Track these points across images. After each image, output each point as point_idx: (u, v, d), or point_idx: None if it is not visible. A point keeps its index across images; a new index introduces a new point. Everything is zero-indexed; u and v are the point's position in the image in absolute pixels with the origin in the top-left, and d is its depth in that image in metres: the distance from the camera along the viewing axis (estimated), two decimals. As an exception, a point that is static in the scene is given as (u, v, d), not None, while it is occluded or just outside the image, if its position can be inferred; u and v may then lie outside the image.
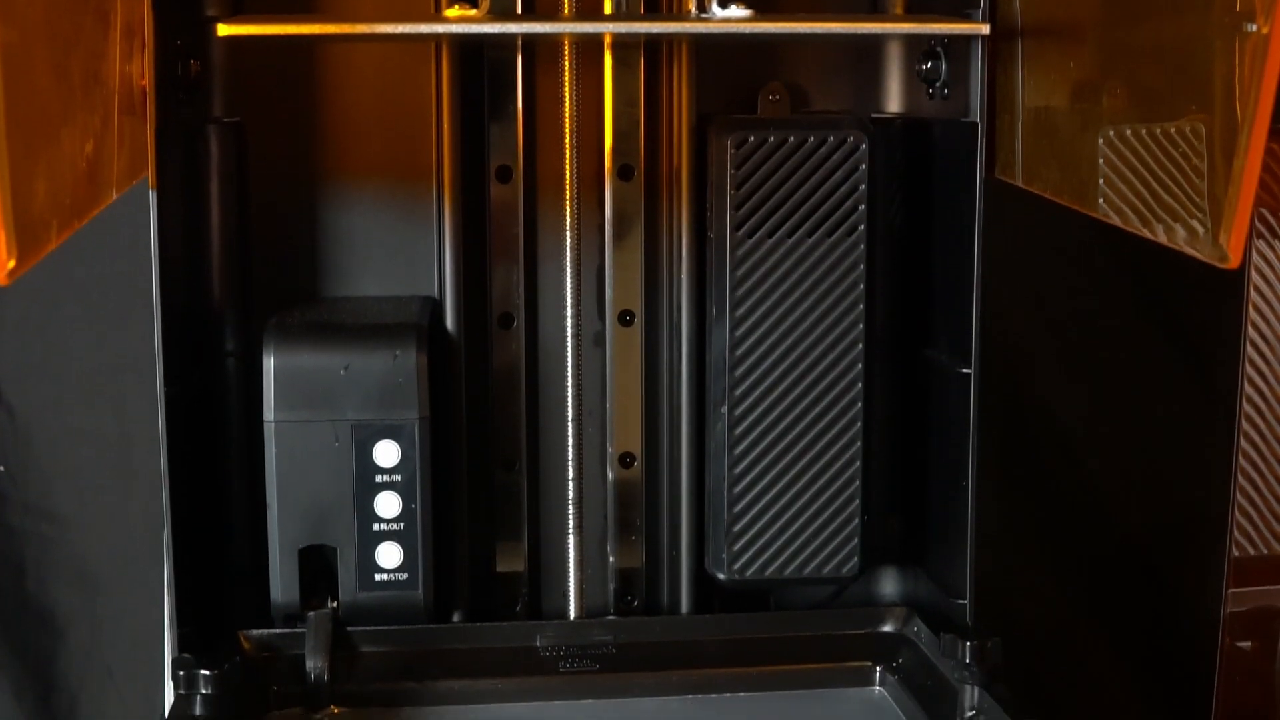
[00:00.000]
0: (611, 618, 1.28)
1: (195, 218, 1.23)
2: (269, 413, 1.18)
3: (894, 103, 1.29)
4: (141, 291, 1.16)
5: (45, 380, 1.50)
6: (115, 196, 1.05)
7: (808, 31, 1.20)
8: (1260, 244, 1.42)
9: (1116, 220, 1.05)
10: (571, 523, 1.28)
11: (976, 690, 1.12)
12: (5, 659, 1.53)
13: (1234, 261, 0.93)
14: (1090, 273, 1.52)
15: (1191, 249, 0.96)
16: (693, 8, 1.16)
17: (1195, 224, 0.95)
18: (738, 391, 1.22)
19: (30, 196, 0.85)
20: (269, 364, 1.18)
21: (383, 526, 1.19)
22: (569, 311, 1.26)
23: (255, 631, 1.20)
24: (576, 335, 1.27)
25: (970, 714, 1.12)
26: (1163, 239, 0.99)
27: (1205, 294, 1.50)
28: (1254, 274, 1.43)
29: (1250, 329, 1.44)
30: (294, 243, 1.26)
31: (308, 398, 1.18)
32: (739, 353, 1.22)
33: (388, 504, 1.19)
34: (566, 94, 1.25)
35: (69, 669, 1.54)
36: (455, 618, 1.26)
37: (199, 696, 1.10)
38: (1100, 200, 1.06)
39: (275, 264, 1.26)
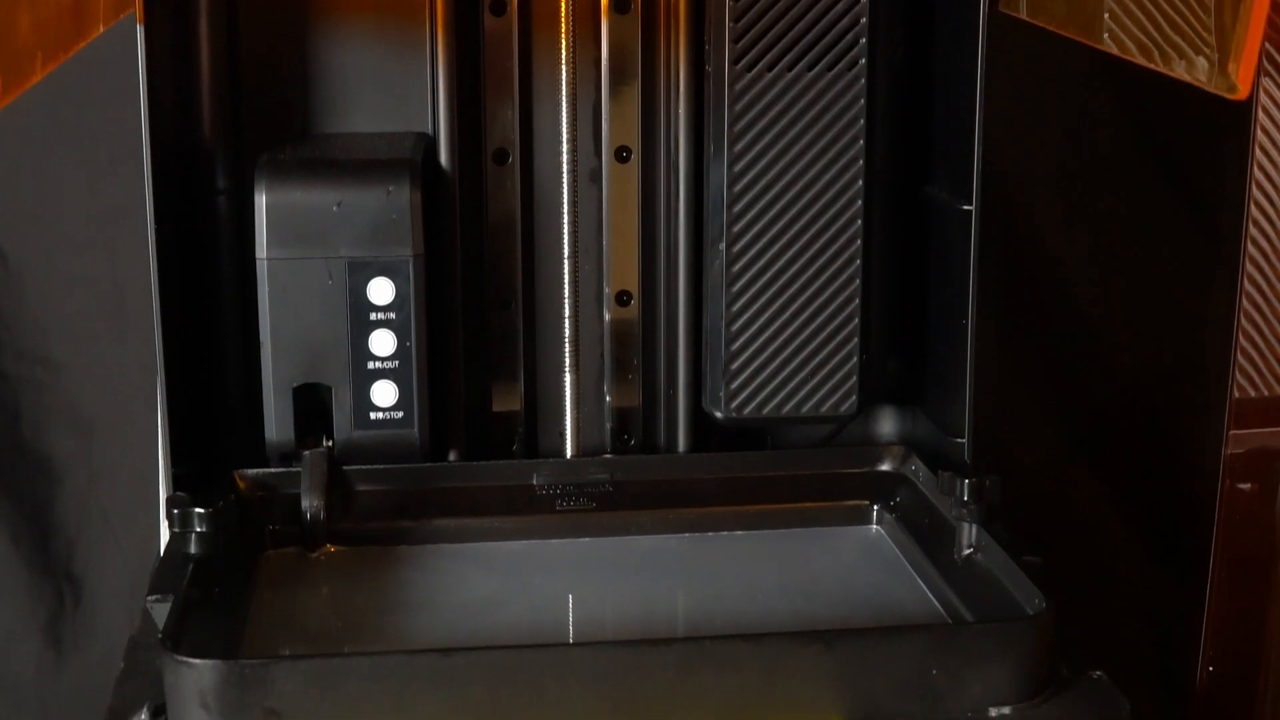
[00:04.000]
0: (608, 456, 1.28)
1: (184, 54, 1.21)
2: (261, 250, 1.17)
3: (896, -67, 1.27)
4: (133, 137, 1.14)
5: (38, 227, 1.50)
6: (102, 30, 1.03)
7: None
8: (1266, 81, 1.40)
9: (1119, 52, 1.03)
10: (568, 361, 1.27)
11: (974, 528, 1.12)
12: (2, 506, 1.53)
13: (1243, 92, 0.91)
14: (1093, 112, 1.50)
15: (1199, 80, 0.94)
16: None
17: (1202, 58, 0.94)
18: (736, 228, 1.21)
19: (14, 26, 0.84)
20: (261, 201, 1.16)
21: (377, 365, 1.18)
22: (565, 148, 1.24)
23: (250, 471, 1.20)
24: (572, 172, 1.25)
25: (968, 551, 1.12)
26: (1170, 71, 0.98)
27: (1209, 134, 1.49)
28: (1260, 113, 1.41)
29: (1255, 169, 1.43)
30: (285, 78, 1.24)
31: (300, 235, 1.17)
32: (737, 189, 1.20)
33: (382, 342, 1.18)
34: (561, -78, 1.23)
35: (66, 514, 1.55)
36: (451, 457, 1.26)
37: (194, 535, 1.09)
38: (1105, 34, 1.04)
39: (266, 100, 1.24)
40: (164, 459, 1.17)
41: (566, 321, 1.27)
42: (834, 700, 0.96)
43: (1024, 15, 1.15)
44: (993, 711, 0.97)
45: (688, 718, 0.94)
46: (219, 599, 1.07)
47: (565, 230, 1.26)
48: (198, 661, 0.92)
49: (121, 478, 1.53)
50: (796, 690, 0.95)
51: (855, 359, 1.23)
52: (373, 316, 1.18)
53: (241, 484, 1.20)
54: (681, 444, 1.29)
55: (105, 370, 1.52)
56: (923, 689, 0.96)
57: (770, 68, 1.19)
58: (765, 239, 1.21)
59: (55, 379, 1.52)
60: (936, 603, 1.12)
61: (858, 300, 1.23)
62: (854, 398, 1.24)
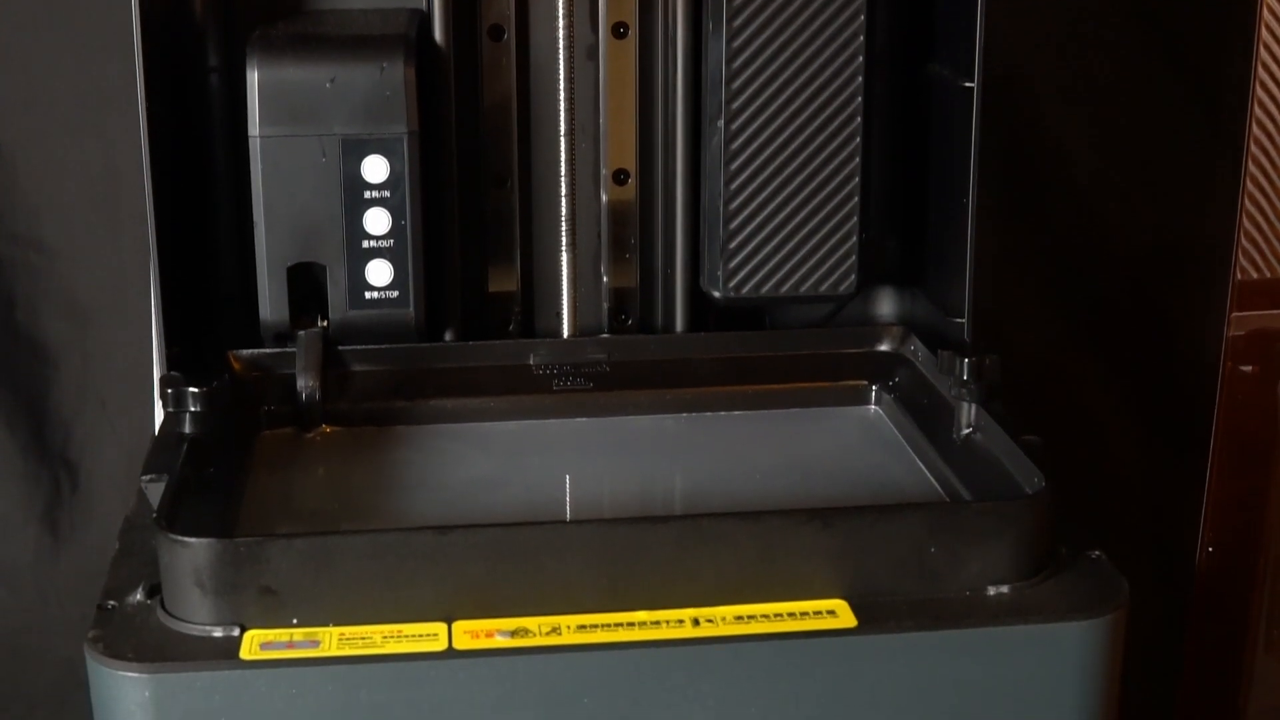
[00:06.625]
0: (605, 336, 1.27)
1: (173, -72, 1.19)
2: (254, 128, 1.15)
3: None
4: (124, 18, 1.13)
5: (30, 112, 1.48)
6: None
7: None
8: (1274, -38, 1.39)
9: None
10: (564, 241, 1.26)
11: (974, 407, 1.11)
12: (-2, 392, 1.53)
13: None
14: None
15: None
16: None
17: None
18: (734, 105, 1.19)
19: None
20: (253, 78, 1.15)
21: (372, 244, 1.17)
22: (561, 24, 1.22)
23: (245, 351, 1.19)
24: (569, 49, 1.23)
25: (967, 431, 1.11)
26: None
27: (1214, 11, 1.47)
28: (1266, -5, 1.40)
29: (1260, 49, 1.41)
30: (277, -48, 1.22)
31: (293, 112, 1.15)
32: (735, 65, 1.18)
33: (377, 220, 1.17)
34: None
35: (61, 400, 1.54)
36: (447, 337, 1.25)
37: (188, 415, 1.09)
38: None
39: (257, -25, 1.22)
40: (158, 343, 1.17)
41: (563, 200, 1.25)
42: (832, 578, 0.95)
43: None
44: (991, 590, 0.96)
45: (685, 596, 0.94)
46: (214, 479, 1.06)
47: (561, 108, 1.24)
48: (193, 540, 0.92)
49: (117, 362, 1.53)
50: (794, 568, 0.95)
51: (854, 238, 1.22)
52: (367, 195, 1.16)
53: (236, 364, 1.19)
54: (679, 324, 1.28)
55: (100, 253, 1.51)
56: (921, 568, 0.96)
57: (770, -60, 1.17)
58: (764, 117, 1.19)
59: (49, 264, 1.51)
60: (935, 482, 1.11)
61: (857, 179, 1.21)
62: (853, 277, 1.23)
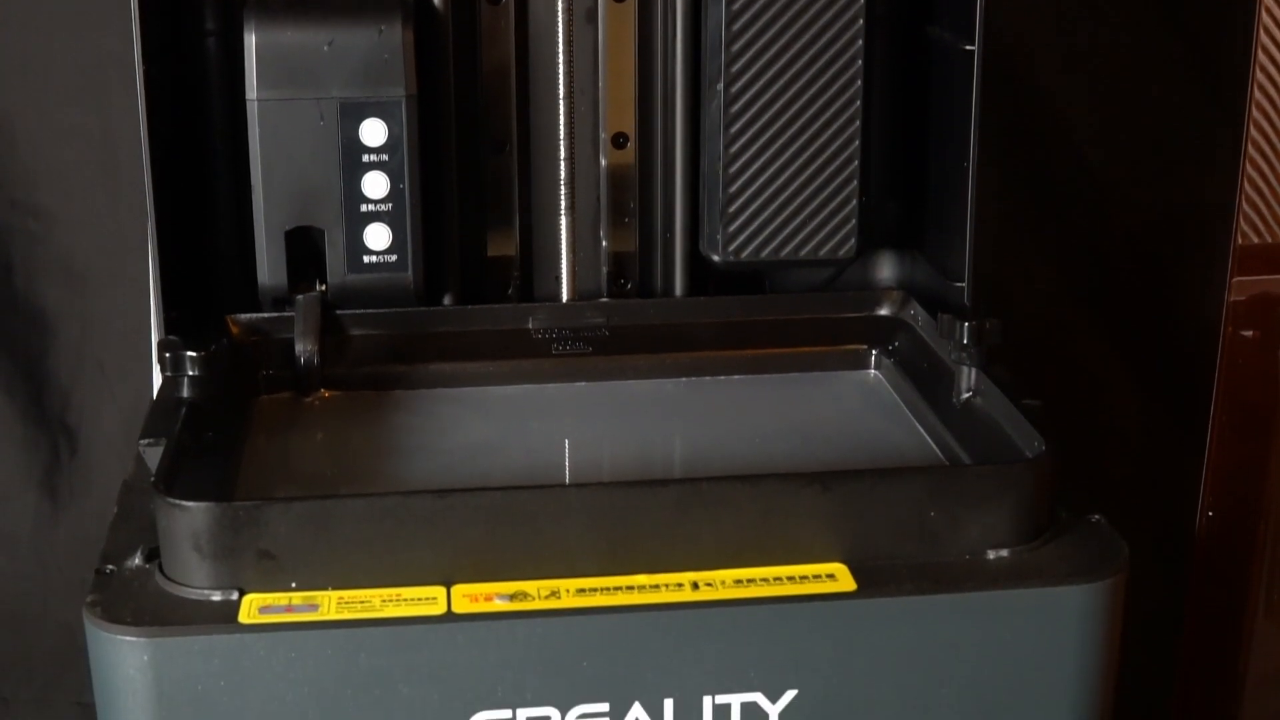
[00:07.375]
0: (605, 300, 1.27)
1: (170, -110, 1.19)
2: (251, 91, 1.15)
3: None
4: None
5: (27, 78, 1.48)
6: None
7: None
8: (1276, -79, 1.38)
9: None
10: (563, 205, 1.26)
11: (974, 371, 1.11)
12: (-4, 358, 1.53)
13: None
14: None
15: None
16: None
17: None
18: (734, 69, 1.19)
19: None
20: (250, 41, 1.15)
21: (371, 207, 1.17)
22: (560, -13, 1.23)
23: (243, 316, 1.19)
24: (568, 11, 1.22)
25: (967, 395, 1.11)
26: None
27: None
28: (1268, -46, 1.39)
29: (1262, 10, 1.41)
30: (274, -86, 1.22)
31: (291, 75, 1.15)
32: (735, 28, 1.18)
33: (375, 184, 1.16)
34: None
35: (60, 366, 1.54)
36: (446, 301, 1.24)
37: (186, 379, 1.08)
38: None
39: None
40: (156, 305, 1.16)
41: (562, 164, 1.25)
42: (831, 542, 0.95)
43: None
44: (990, 554, 0.96)
45: (685, 559, 0.94)
46: (212, 443, 1.06)
47: (560, 72, 1.24)
48: (191, 504, 0.92)
49: (115, 327, 1.53)
50: (794, 532, 0.95)
51: (854, 202, 1.22)
52: (365, 158, 1.16)
53: (234, 328, 1.19)
54: (678, 288, 1.27)
55: (98, 219, 1.51)
56: (920, 531, 0.96)
57: (769, -97, 1.17)
58: (764, 80, 1.19)
59: (47, 229, 1.51)
60: (935, 446, 1.11)
61: (857, 142, 1.21)
62: (853, 241, 1.22)
